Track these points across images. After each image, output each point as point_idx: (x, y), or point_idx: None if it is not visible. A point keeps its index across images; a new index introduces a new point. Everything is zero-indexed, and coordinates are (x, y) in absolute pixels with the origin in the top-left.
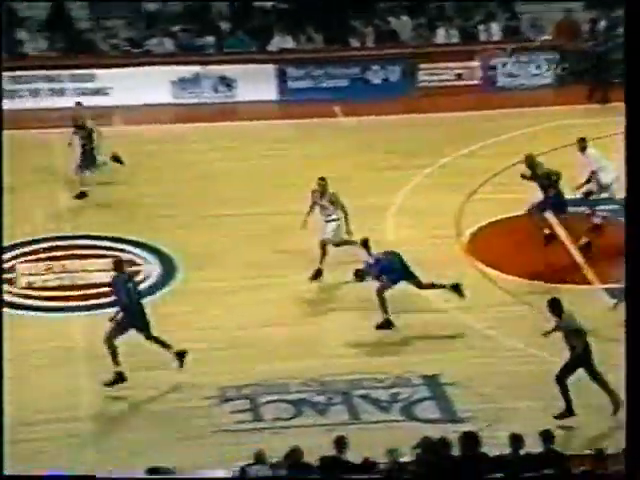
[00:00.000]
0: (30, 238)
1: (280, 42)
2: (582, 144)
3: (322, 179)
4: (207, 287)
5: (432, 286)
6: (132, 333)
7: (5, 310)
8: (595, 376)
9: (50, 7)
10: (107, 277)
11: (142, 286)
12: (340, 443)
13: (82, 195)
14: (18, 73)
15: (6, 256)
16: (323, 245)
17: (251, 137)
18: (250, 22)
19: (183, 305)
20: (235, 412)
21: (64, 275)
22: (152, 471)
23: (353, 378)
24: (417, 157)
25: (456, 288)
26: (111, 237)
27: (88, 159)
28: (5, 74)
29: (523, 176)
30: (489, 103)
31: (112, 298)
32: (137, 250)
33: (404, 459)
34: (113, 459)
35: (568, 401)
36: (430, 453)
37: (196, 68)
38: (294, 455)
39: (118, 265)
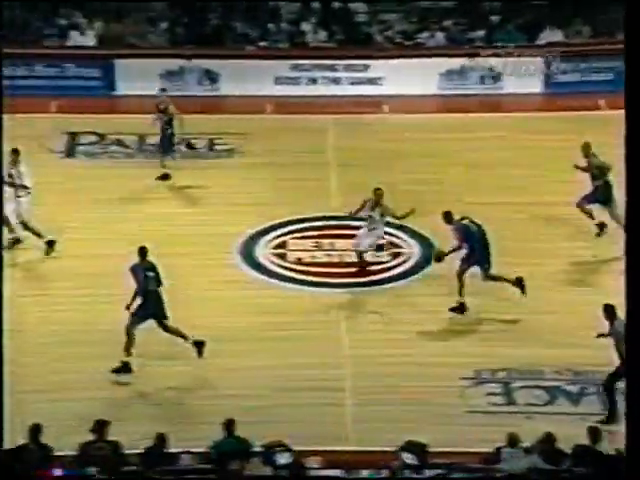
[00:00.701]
0: (301, 216)
1: (549, 36)
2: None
3: (379, 189)
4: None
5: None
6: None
7: (274, 282)
8: None
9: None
10: (371, 257)
11: (401, 268)
12: (594, 433)
13: (165, 177)
14: (299, 62)
15: (278, 232)
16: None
17: (515, 128)
18: (521, 16)
19: (440, 287)
20: (489, 395)
21: (332, 253)
22: (409, 445)
23: (608, 370)
24: None
25: (519, 283)
26: None
27: (166, 143)
28: (286, 62)
29: (577, 166)
30: None
31: (375, 277)
32: (399, 232)
33: None
34: (371, 431)
35: (612, 408)
36: None
37: (463, 60)
38: (547, 440)
39: (141, 252)
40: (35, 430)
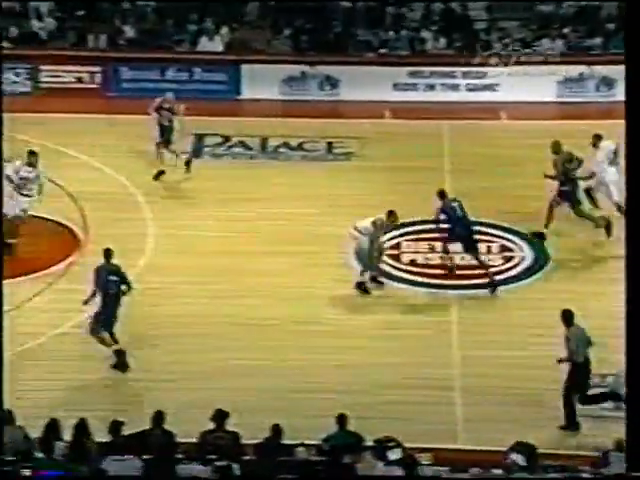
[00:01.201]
0: (416, 219)
1: None
2: (596, 140)
3: (391, 212)
4: (574, 276)
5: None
6: None
7: (388, 282)
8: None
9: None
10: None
11: (513, 272)
12: None
13: (160, 174)
14: (417, 68)
15: (393, 234)
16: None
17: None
18: None
19: (553, 291)
20: None
21: (445, 255)
22: (518, 445)
23: None
24: None
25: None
26: (488, 223)
27: (165, 137)
28: (405, 69)
29: (547, 176)
30: None
31: (481, 280)
32: (511, 236)
33: None
34: (480, 431)
35: (570, 414)
36: None
37: (581, 68)
38: None
39: (106, 254)
40: (158, 416)
